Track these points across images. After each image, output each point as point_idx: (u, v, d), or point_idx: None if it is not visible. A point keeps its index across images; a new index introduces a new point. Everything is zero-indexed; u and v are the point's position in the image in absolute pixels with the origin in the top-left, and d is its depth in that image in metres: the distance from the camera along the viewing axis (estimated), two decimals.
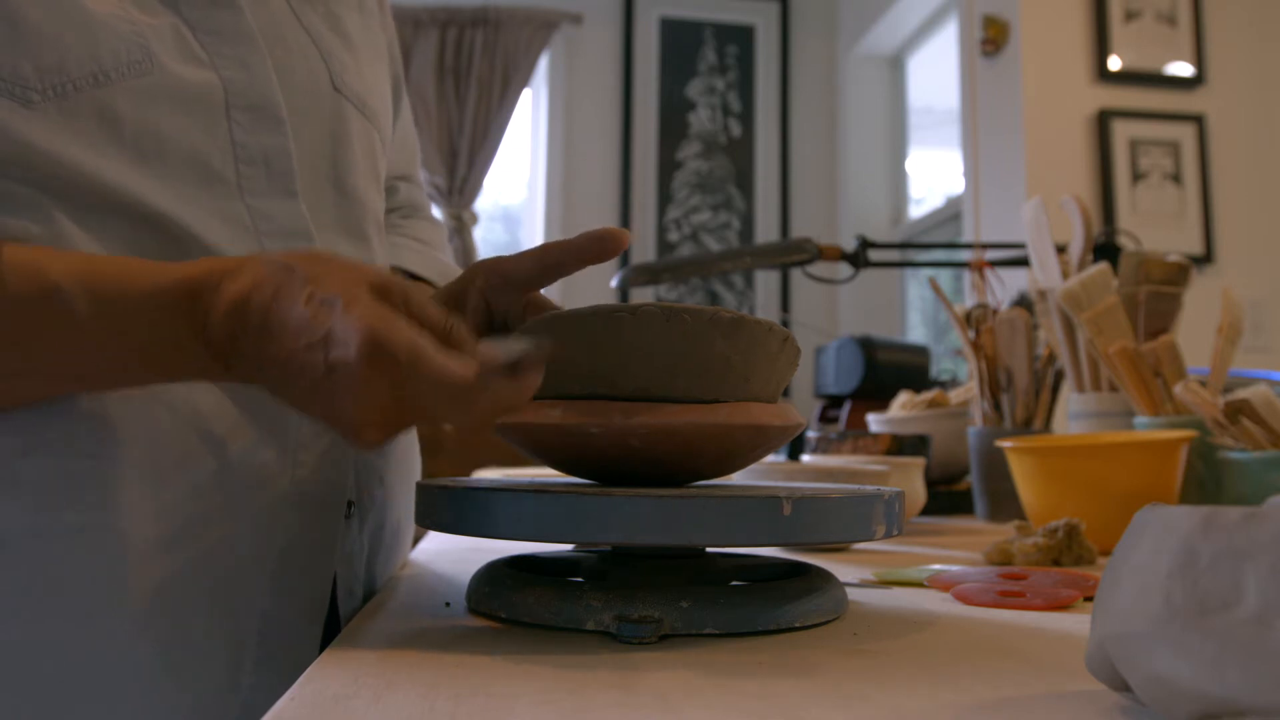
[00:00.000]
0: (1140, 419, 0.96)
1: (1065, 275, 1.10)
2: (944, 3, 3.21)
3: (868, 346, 2.11)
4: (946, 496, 1.24)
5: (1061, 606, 0.53)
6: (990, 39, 2.54)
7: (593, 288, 3.10)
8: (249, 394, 0.52)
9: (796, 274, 3.64)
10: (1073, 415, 1.08)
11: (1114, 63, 2.48)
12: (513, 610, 0.46)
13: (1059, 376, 1.15)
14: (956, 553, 0.81)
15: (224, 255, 0.51)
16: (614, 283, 1.47)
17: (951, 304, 1.20)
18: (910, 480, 0.94)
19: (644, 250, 3.57)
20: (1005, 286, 1.35)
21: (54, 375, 0.45)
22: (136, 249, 0.48)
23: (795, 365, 0.53)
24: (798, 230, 3.67)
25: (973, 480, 1.13)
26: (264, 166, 0.54)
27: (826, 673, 0.38)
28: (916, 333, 3.59)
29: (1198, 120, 2.51)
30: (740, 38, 3.74)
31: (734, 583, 0.50)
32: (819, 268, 1.42)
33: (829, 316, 3.70)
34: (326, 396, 0.41)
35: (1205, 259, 2.46)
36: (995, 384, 1.14)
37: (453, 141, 3.45)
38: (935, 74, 3.44)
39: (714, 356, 0.48)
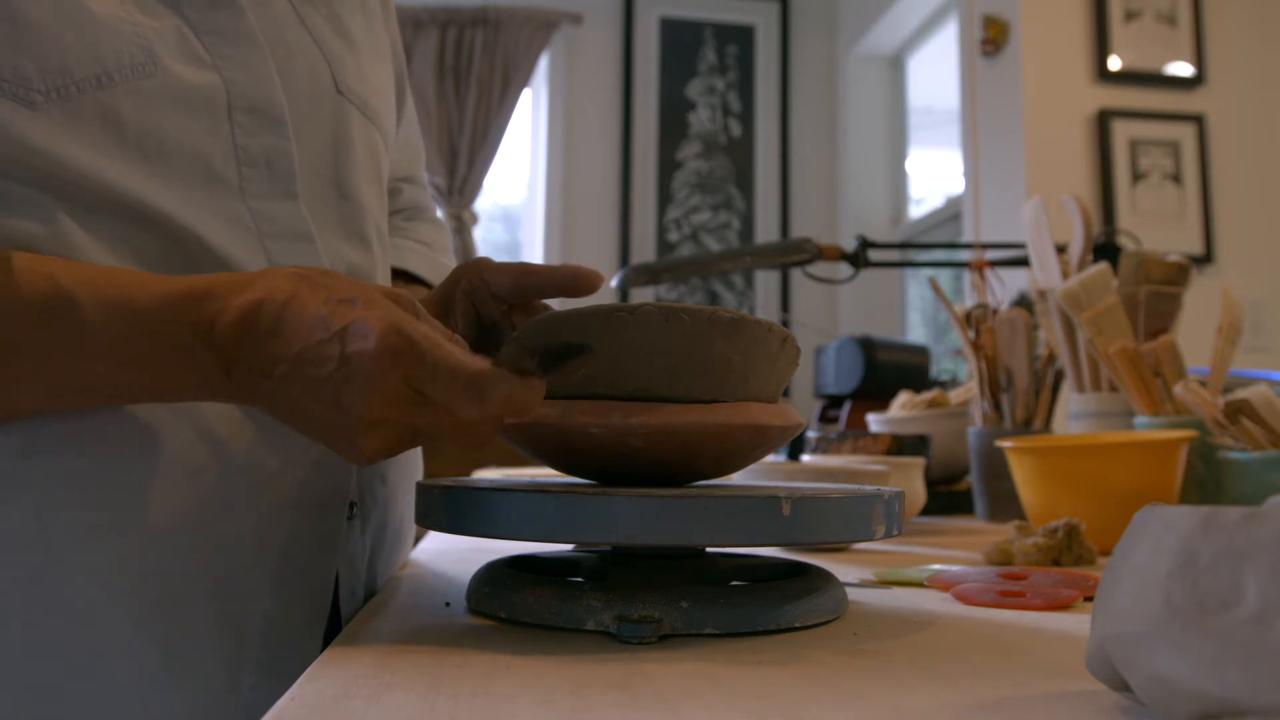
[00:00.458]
0: (1140, 419, 0.96)
1: (1065, 275, 1.10)
2: (944, 3, 3.21)
3: (868, 346, 2.11)
4: (946, 496, 1.24)
5: (1061, 606, 0.53)
6: (990, 39, 2.54)
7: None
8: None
9: (796, 274, 3.64)
10: (1073, 415, 1.08)
11: (1114, 63, 2.48)
12: (513, 610, 0.46)
13: (1059, 376, 1.15)
14: (956, 553, 0.81)
15: (226, 257, 0.51)
16: (614, 283, 1.47)
17: (951, 304, 1.20)
18: (910, 480, 0.94)
19: (644, 250, 3.57)
20: (1005, 286, 1.35)
21: (58, 385, 0.44)
22: (139, 250, 0.48)
23: (795, 365, 0.53)
24: (798, 230, 3.67)
25: (973, 480, 1.13)
26: (266, 168, 0.54)
27: (826, 673, 0.38)
28: (916, 333, 3.59)
29: (1198, 120, 2.51)
30: (740, 38, 3.74)
31: (734, 583, 0.50)
32: (819, 268, 1.42)
33: (829, 316, 3.70)
34: (335, 395, 0.41)
35: (1205, 259, 2.46)
36: (995, 384, 1.14)
37: (453, 141, 3.45)
38: (935, 74, 3.44)
39: (714, 356, 0.48)
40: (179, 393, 0.46)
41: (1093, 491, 0.84)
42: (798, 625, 0.46)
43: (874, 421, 1.33)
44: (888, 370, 2.08)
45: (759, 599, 0.45)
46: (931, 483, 1.20)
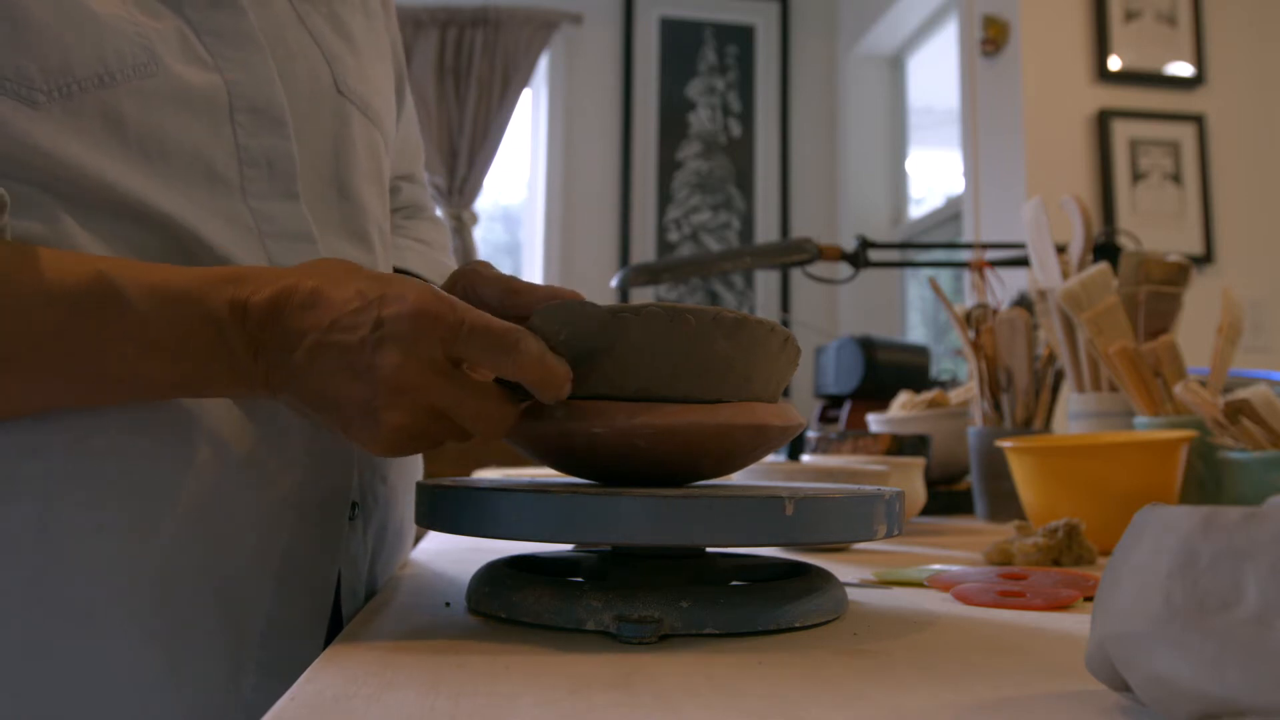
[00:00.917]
0: (1140, 419, 0.96)
1: (1065, 275, 1.10)
2: (944, 3, 3.21)
3: (868, 346, 2.11)
4: (946, 496, 1.24)
5: (1061, 606, 0.53)
6: (990, 39, 2.54)
7: (592, 288, 3.10)
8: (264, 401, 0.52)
9: (796, 274, 3.64)
10: (1073, 415, 1.08)
11: (1114, 63, 2.48)
12: (513, 610, 0.46)
13: (1059, 376, 1.15)
14: (956, 553, 0.81)
15: (226, 256, 0.51)
16: (614, 283, 1.47)
17: (951, 304, 1.20)
18: (910, 480, 0.94)
19: (644, 250, 3.57)
20: (1005, 286, 1.35)
21: (84, 376, 0.45)
22: (140, 250, 0.48)
23: (795, 365, 0.53)
24: (798, 230, 3.67)
25: (973, 480, 1.13)
26: (267, 168, 0.54)
27: (826, 673, 0.38)
28: (916, 333, 3.59)
29: (1198, 120, 2.51)
30: (740, 38, 3.74)
31: (734, 583, 0.50)
32: (819, 268, 1.42)
33: (829, 316, 3.70)
34: (366, 361, 0.42)
35: (1205, 259, 2.46)
36: (995, 384, 1.14)
37: (453, 141, 3.45)
38: (935, 74, 3.44)
39: (717, 356, 0.48)
40: (205, 380, 0.46)
41: (1093, 491, 0.84)
42: (798, 625, 0.46)
43: (874, 421, 1.33)
44: (888, 370, 2.08)
45: (759, 599, 0.45)
46: (931, 483, 1.20)
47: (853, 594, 0.57)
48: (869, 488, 0.50)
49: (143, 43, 0.49)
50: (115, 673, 0.47)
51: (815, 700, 0.34)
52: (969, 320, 1.19)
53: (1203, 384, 0.91)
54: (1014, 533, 0.76)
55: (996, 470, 1.07)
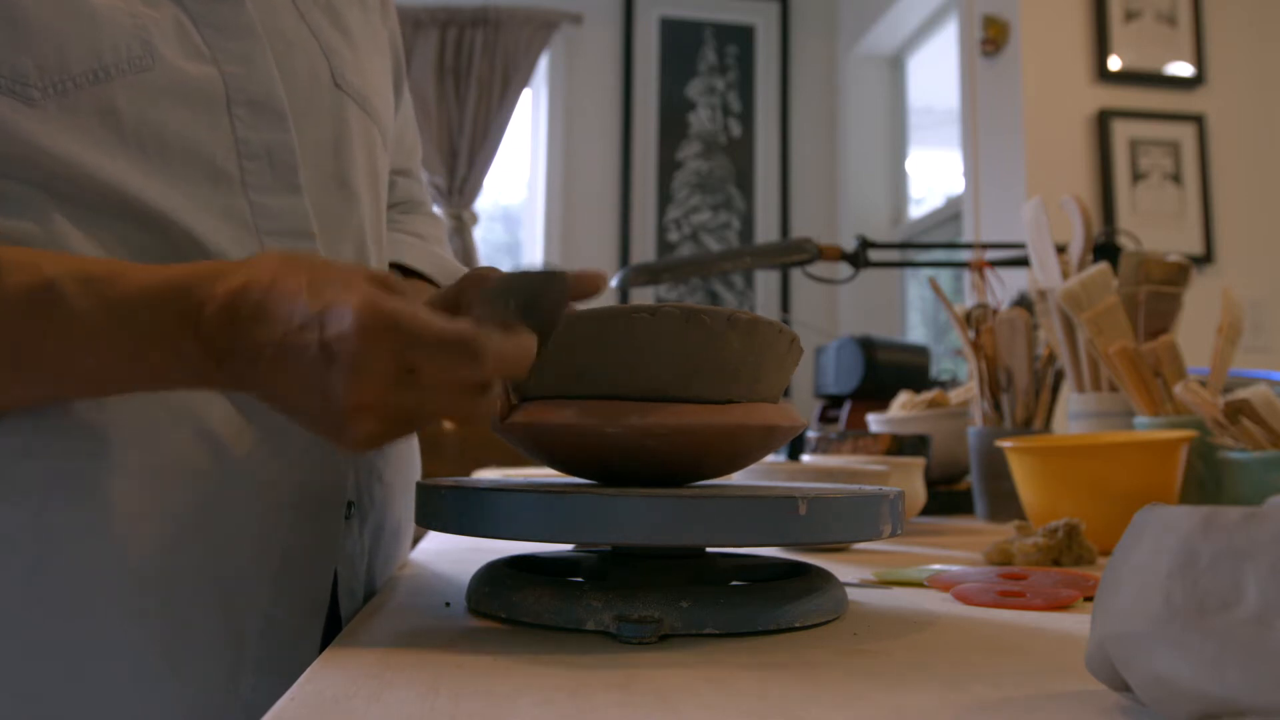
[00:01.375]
0: (1140, 419, 0.96)
1: (1065, 275, 1.10)
2: (944, 3, 3.21)
3: (868, 346, 2.11)
4: (946, 496, 1.24)
5: (1061, 606, 0.53)
6: (990, 39, 2.54)
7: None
8: (247, 396, 0.52)
9: (796, 274, 3.64)
10: (1073, 415, 1.08)
11: (1114, 63, 2.48)
12: (513, 610, 0.46)
13: (1059, 376, 1.15)
14: (956, 553, 0.81)
15: (222, 255, 0.51)
16: (614, 283, 1.47)
17: (951, 304, 1.20)
18: (910, 480, 0.94)
19: (644, 250, 3.57)
20: (1005, 286, 1.35)
21: (47, 378, 0.44)
22: (135, 250, 0.48)
23: (796, 365, 0.54)
24: (798, 230, 3.67)
25: (973, 480, 1.13)
26: (267, 161, 0.54)
27: (826, 673, 0.38)
28: (916, 333, 3.59)
29: (1198, 120, 2.51)
30: (740, 38, 3.74)
31: (734, 583, 0.50)
32: (819, 268, 1.42)
33: (829, 316, 3.70)
34: (320, 382, 0.40)
35: (1205, 259, 2.46)
36: (995, 384, 1.14)
37: (453, 141, 3.45)
38: (935, 74, 3.43)
39: (729, 357, 0.49)
40: (170, 384, 0.45)
41: (1093, 491, 0.84)
42: (798, 625, 0.46)
43: (874, 421, 1.33)
44: (888, 370, 2.08)
45: (759, 599, 0.45)
46: (931, 483, 1.20)
47: (853, 594, 0.57)
48: (874, 488, 0.50)
49: (140, 35, 0.49)
50: (114, 672, 0.47)
51: (815, 700, 0.34)
52: (969, 320, 1.19)
53: (1203, 384, 0.91)
54: (1014, 533, 0.76)
55: (996, 470, 1.07)
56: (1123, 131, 2.46)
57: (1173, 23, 2.52)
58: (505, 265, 3.86)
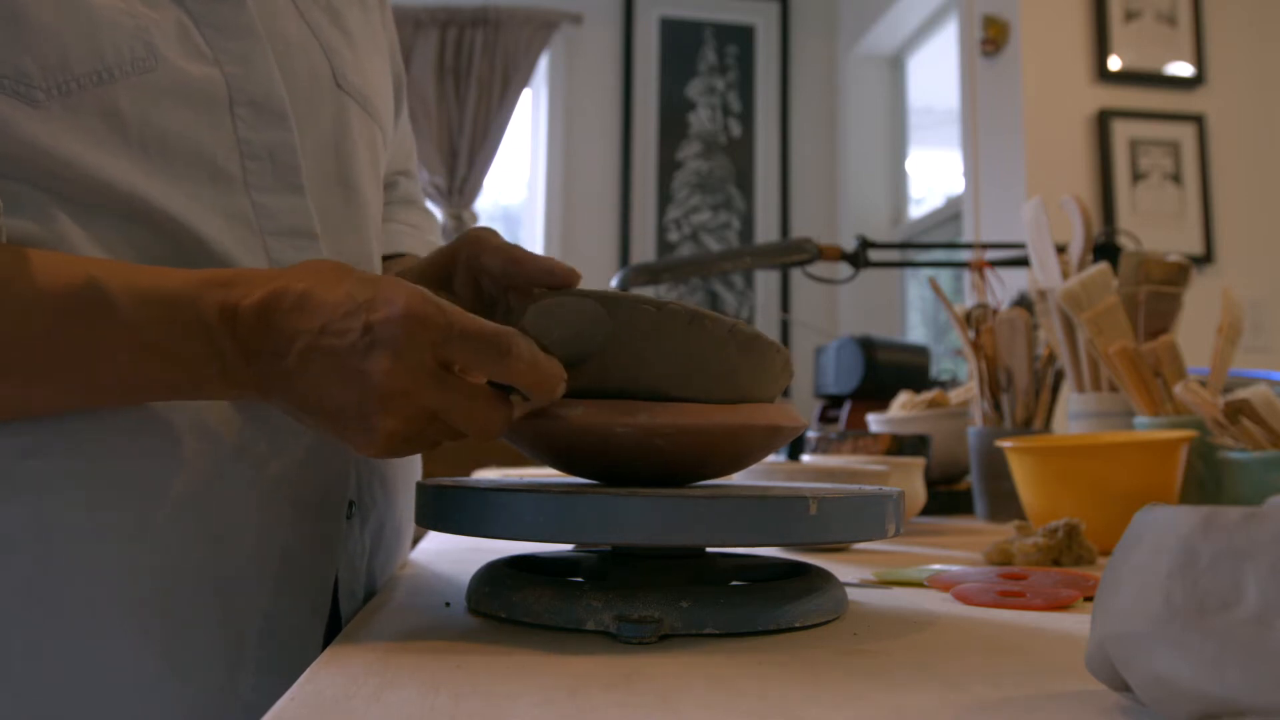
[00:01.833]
0: (1140, 419, 0.96)
1: (1065, 275, 1.10)
2: (944, 3, 3.21)
3: (868, 346, 2.10)
4: (946, 496, 1.24)
5: (1061, 606, 0.53)
6: (990, 39, 2.54)
7: (592, 288, 3.09)
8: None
9: (796, 274, 3.64)
10: (1073, 415, 1.08)
11: (1114, 63, 2.48)
12: (513, 610, 0.46)
13: (1059, 376, 1.15)
14: (956, 553, 0.81)
15: (224, 254, 0.51)
16: (614, 283, 1.47)
17: (951, 304, 1.20)
18: (910, 480, 0.94)
19: (644, 250, 3.57)
20: (1005, 286, 1.35)
21: (80, 380, 0.44)
22: (138, 251, 0.48)
23: (786, 384, 0.54)
24: (798, 230, 3.67)
25: (973, 480, 1.13)
26: (270, 161, 0.54)
27: (826, 673, 0.38)
28: (916, 333, 3.59)
29: (1198, 120, 2.51)
30: (740, 38, 3.74)
31: (734, 583, 0.50)
32: (819, 268, 1.42)
33: (829, 316, 3.70)
34: (358, 367, 0.42)
35: (1205, 259, 2.46)
36: (995, 384, 1.14)
37: (453, 141, 3.45)
38: (935, 74, 3.44)
39: (727, 365, 0.49)
40: (197, 384, 0.46)
41: (1093, 491, 0.84)
42: (798, 625, 0.46)
43: (874, 421, 1.33)
44: (888, 370, 2.08)
45: (759, 599, 0.45)
46: (931, 483, 1.20)
47: (853, 594, 0.57)
48: (874, 488, 0.50)
49: (142, 37, 0.49)
50: (114, 672, 0.47)
51: (815, 700, 0.34)
52: (969, 320, 1.19)
53: (1203, 384, 0.91)
54: (1014, 533, 0.76)
55: (996, 470, 1.07)
56: (1123, 131, 2.46)
57: (1173, 23, 2.52)
58: None
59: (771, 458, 1.45)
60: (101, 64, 0.47)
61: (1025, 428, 1.12)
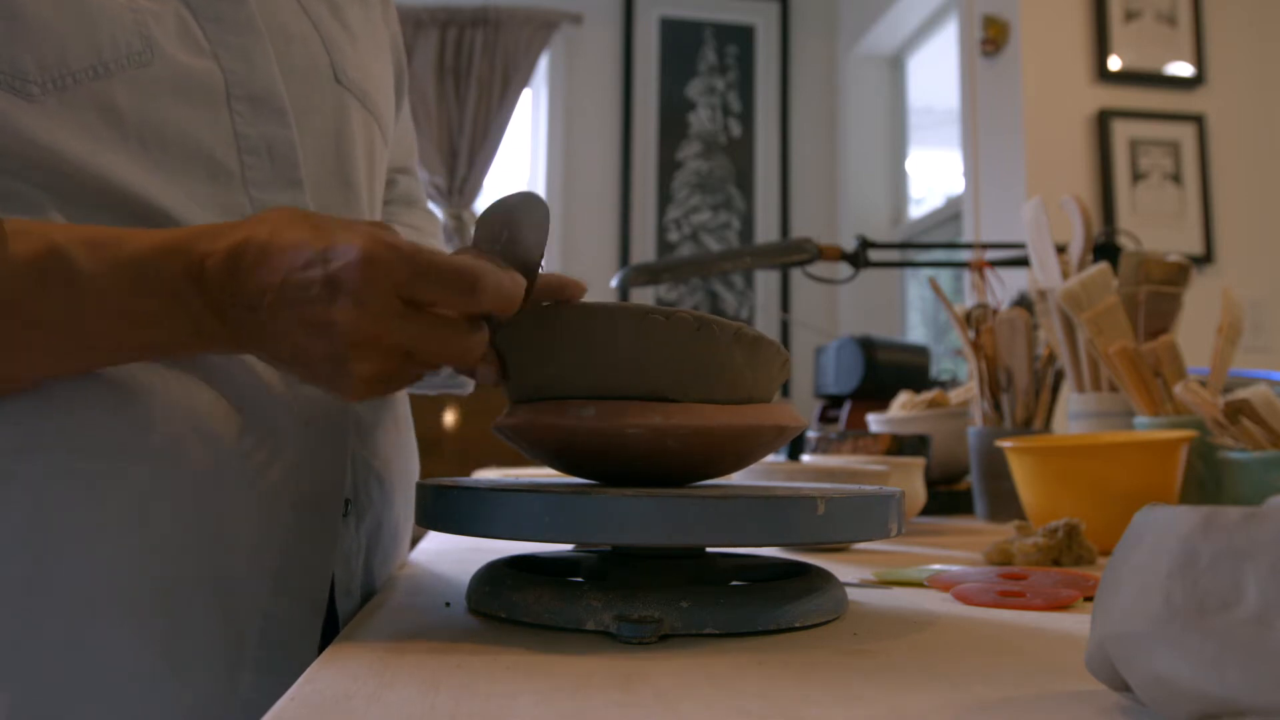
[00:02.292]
0: (1140, 419, 0.96)
1: (1065, 275, 1.10)
2: (944, 3, 3.21)
3: (868, 346, 2.10)
4: (946, 496, 1.24)
5: (1061, 606, 0.53)
6: (990, 39, 2.54)
7: (592, 288, 3.09)
8: (246, 393, 0.52)
9: (796, 274, 3.64)
10: (1073, 415, 1.08)
11: (1114, 63, 2.48)
12: (513, 610, 0.46)
13: (1059, 376, 1.15)
14: (956, 553, 0.81)
15: None
16: (614, 283, 1.47)
17: (951, 304, 1.20)
18: (910, 480, 0.94)
19: (644, 250, 3.57)
20: (1005, 286, 1.35)
21: (57, 346, 0.44)
22: None
23: (784, 380, 0.55)
24: (798, 230, 3.67)
25: (973, 480, 1.13)
26: (267, 157, 0.54)
27: (826, 673, 0.38)
28: (916, 333, 3.59)
29: (1198, 120, 2.51)
30: (740, 38, 3.74)
31: (734, 583, 0.50)
32: (819, 268, 1.42)
33: (829, 316, 3.70)
34: (324, 317, 0.41)
35: (1205, 259, 2.46)
36: (995, 384, 1.14)
37: (453, 141, 3.45)
38: (935, 74, 3.43)
39: (732, 368, 0.49)
40: (175, 344, 0.46)
41: (1093, 491, 0.84)
42: (798, 625, 0.46)
43: (874, 421, 1.33)
44: (888, 370, 2.08)
45: (759, 599, 0.45)
46: (931, 483, 1.20)
47: (853, 594, 0.57)
48: (874, 487, 0.50)
49: (140, 30, 0.49)
50: (112, 670, 0.47)
51: (815, 700, 0.34)
52: (969, 320, 1.19)
53: (1203, 384, 0.91)
54: (1014, 533, 0.76)
55: (996, 470, 1.07)
56: (1123, 131, 2.46)
57: (1173, 23, 2.52)
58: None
59: (771, 457, 1.45)
60: (98, 59, 0.47)
61: (1025, 428, 1.12)
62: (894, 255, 2.62)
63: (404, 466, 0.69)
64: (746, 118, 3.71)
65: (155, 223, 0.49)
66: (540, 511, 0.43)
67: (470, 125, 3.44)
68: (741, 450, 0.51)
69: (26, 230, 0.43)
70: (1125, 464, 0.84)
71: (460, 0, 3.49)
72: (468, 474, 1.30)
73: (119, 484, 0.47)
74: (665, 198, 3.62)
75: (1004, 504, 1.07)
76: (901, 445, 1.06)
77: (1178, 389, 0.90)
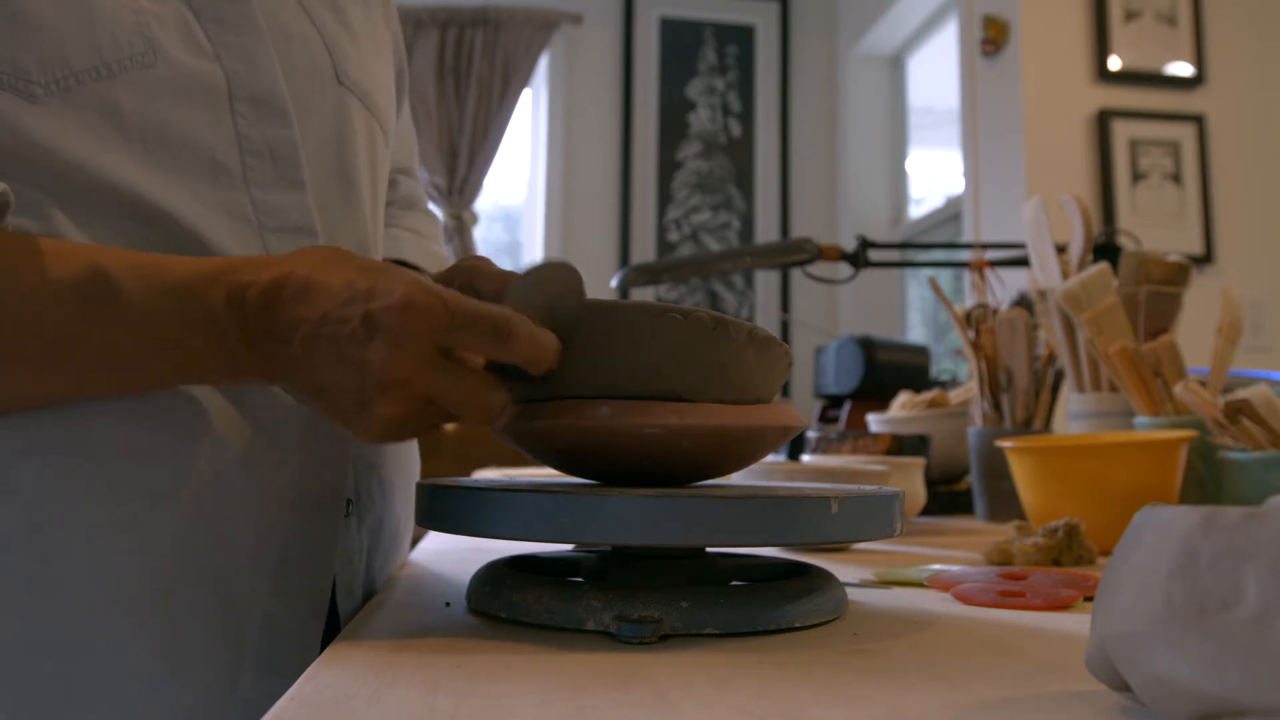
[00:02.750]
0: (1140, 419, 0.96)
1: (1065, 275, 1.10)
2: (944, 3, 3.21)
3: (868, 346, 2.10)
4: (946, 496, 1.24)
5: (1061, 606, 0.53)
6: (990, 39, 2.54)
7: (592, 288, 3.09)
8: (247, 394, 0.52)
9: (796, 274, 3.64)
10: (1073, 415, 1.08)
11: (1114, 63, 2.48)
12: (513, 610, 0.46)
13: (1059, 376, 1.15)
14: (956, 553, 0.81)
15: (224, 252, 0.51)
16: (614, 283, 1.47)
17: (951, 304, 1.20)
18: (910, 480, 0.94)
19: (644, 250, 3.57)
20: (1005, 286, 1.35)
21: (85, 368, 0.45)
22: (137, 248, 0.48)
23: (785, 379, 0.55)
24: (798, 230, 3.67)
25: (973, 480, 1.13)
26: (269, 158, 0.54)
27: (826, 673, 0.38)
28: (916, 333, 3.59)
29: (1198, 120, 2.51)
30: (740, 38, 3.74)
31: (734, 583, 0.50)
32: (819, 268, 1.42)
33: (829, 316, 3.70)
34: (358, 355, 0.42)
35: (1205, 259, 2.46)
36: (995, 384, 1.14)
37: (453, 141, 3.45)
38: (935, 74, 3.44)
39: (744, 367, 0.49)
40: (203, 371, 0.47)
41: (1093, 491, 0.84)
42: (798, 625, 0.46)
43: (874, 421, 1.33)
44: (888, 370, 2.08)
45: (759, 599, 0.45)
46: (931, 483, 1.20)
47: (853, 594, 0.57)
48: (874, 488, 0.50)
49: (142, 31, 0.49)
50: (113, 671, 0.47)
51: (815, 700, 0.34)
52: (969, 320, 1.19)
53: (1203, 384, 0.91)
54: (1014, 533, 0.76)
55: (996, 470, 1.07)
56: (1123, 131, 2.46)
57: (1173, 23, 2.52)
58: (505, 265, 3.87)
59: (771, 457, 1.45)
60: (100, 60, 0.47)
61: (1025, 428, 1.12)
62: (894, 255, 2.62)
63: (404, 466, 0.69)
64: (746, 118, 3.72)
65: (155, 222, 0.49)
66: (540, 511, 0.43)
67: (470, 125, 3.44)
68: (749, 450, 0.51)
69: (67, 251, 0.44)
70: (1125, 464, 0.84)
71: (460, 0, 3.49)
72: (468, 474, 1.30)
73: (120, 486, 0.47)
74: (665, 198, 3.62)
75: (1004, 504, 1.07)
76: (901, 445, 1.06)
77: (1178, 389, 0.90)
